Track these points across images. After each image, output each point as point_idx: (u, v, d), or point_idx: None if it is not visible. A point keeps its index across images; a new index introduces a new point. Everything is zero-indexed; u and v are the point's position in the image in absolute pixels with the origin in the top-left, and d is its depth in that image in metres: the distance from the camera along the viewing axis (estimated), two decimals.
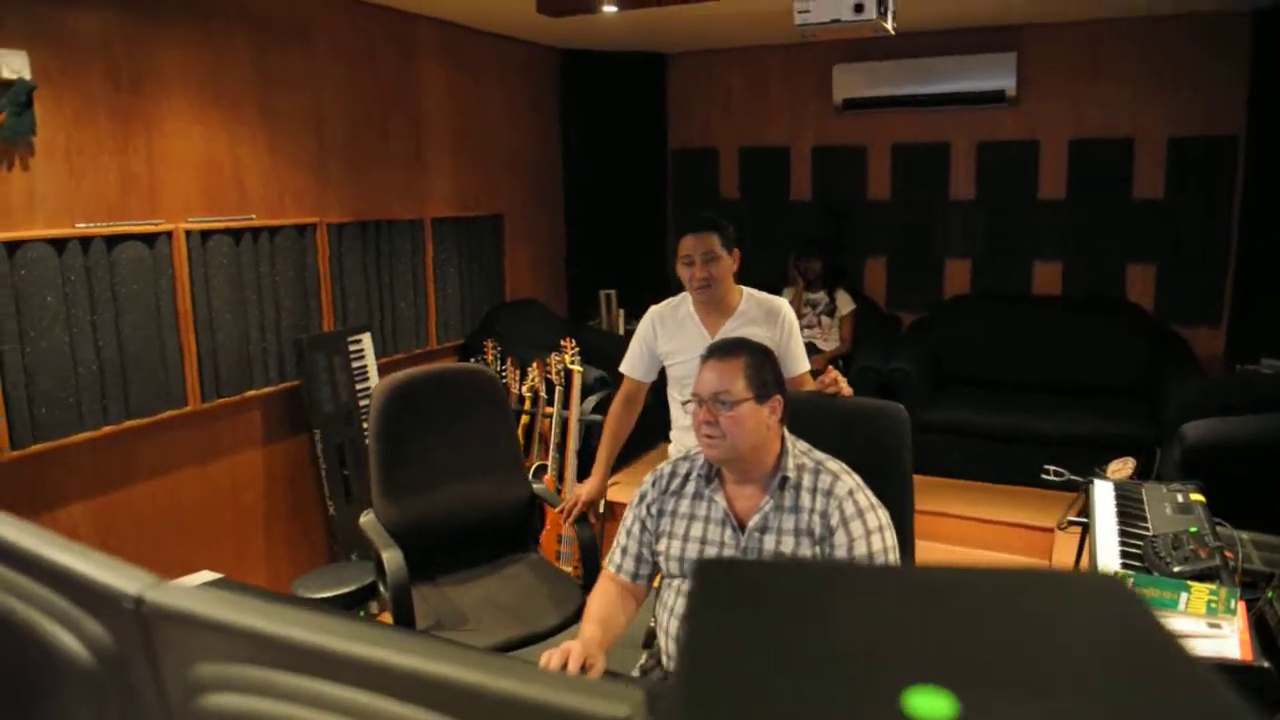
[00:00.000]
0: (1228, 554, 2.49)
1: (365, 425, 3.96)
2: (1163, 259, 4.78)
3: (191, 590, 0.67)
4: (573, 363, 4.26)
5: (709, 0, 3.81)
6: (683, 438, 2.78)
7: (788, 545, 1.97)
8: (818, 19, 3.21)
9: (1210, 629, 2.16)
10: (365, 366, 4.00)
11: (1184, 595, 2.29)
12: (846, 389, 2.53)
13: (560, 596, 2.80)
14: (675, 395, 2.80)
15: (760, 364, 2.03)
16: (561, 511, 2.88)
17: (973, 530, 4.20)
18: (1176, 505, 2.90)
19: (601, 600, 2.14)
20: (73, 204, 2.94)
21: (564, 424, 4.25)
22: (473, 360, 4.44)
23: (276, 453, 3.75)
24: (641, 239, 5.84)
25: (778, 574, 0.61)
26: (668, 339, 2.75)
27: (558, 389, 4.28)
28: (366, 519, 2.86)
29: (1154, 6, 4.39)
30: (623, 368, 2.87)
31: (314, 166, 3.80)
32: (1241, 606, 2.29)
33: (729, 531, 2.03)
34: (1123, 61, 4.65)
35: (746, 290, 2.79)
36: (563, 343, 4.32)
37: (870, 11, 3.10)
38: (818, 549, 1.96)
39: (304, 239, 3.75)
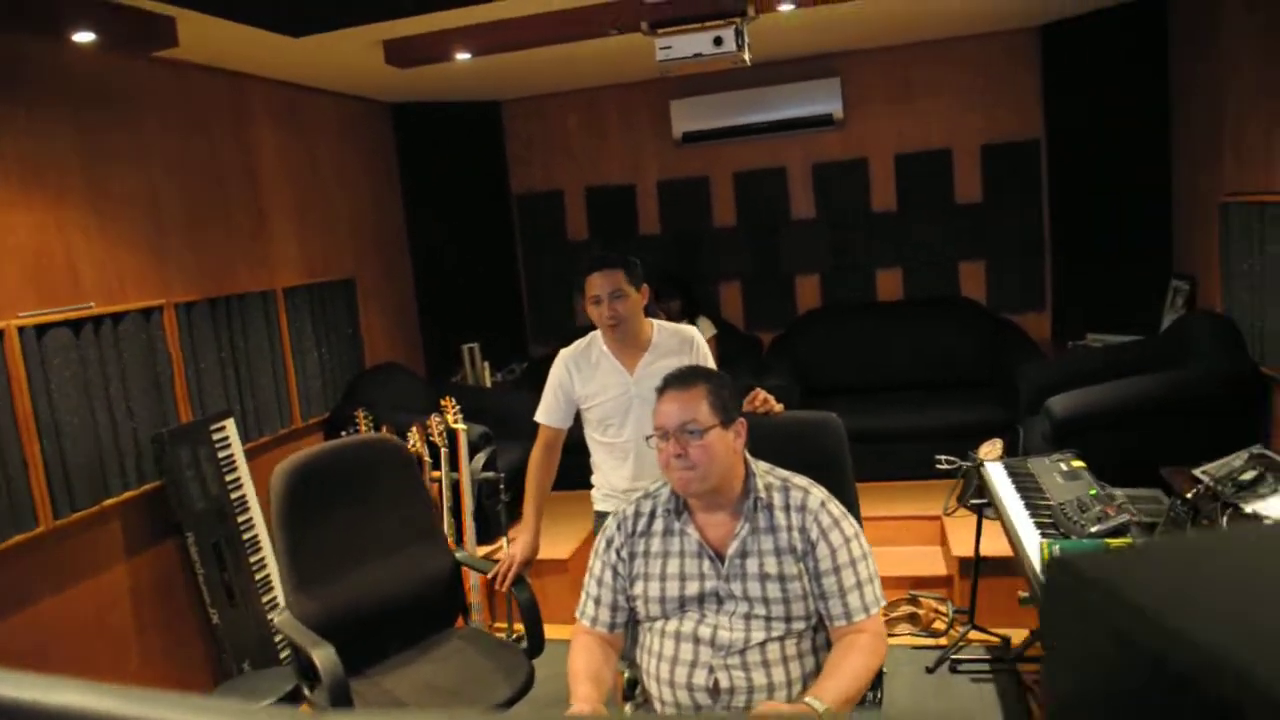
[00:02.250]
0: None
1: (241, 520, 3.62)
2: (989, 256, 5.20)
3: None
4: (456, 422, 4.09)
5: (556, 44, 3.82)
6: (609, 479, 2.71)
7: (771, 566, 1.95)
8: (679, 55, 3.29)
9: None
10: (232, 455, 3.66)
11: None
12: (777, 406, 2.57)
13: (508, 667, 2.64)
14: (596, 437, 2.73)
15: (720, 389, 2.01)
16: (494, 577, 2.72)
17: (867, 529, 4.35)
18: (1063, 473, 3.11)
19: (585, 657, 2.04)
20: None
21: (455, 486, 4.06)
22: (345, 433, 4.16)
23: (142, 564, 3.34)
24: (494, 288, 5.73)
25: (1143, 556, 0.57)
26: (584, 382, 2.68)
27: (443, 451, 4.09)
28: (282, 618, 2.59)
29: (957, 28, 4.81)
30: (539, 417, 2.77)
31: (152, 244, 3.47)
32: None
33: (706, 562, 1.98)
34: (935, 79, 5.06)
35: (656, 323, 2.77)
36: (442, 403, 4.13)
37: (730, 44, 3.21)
38: (801, 564, 1.95)
39: (150, 323, 3.40)
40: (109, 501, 3.18)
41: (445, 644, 2.82)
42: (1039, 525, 2.77)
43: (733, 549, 1.97)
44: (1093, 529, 2.61)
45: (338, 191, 4.73)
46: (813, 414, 2.52)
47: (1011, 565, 3.66)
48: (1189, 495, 2.86)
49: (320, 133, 4.61)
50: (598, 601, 2.09)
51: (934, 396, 4.83)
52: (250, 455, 3.76)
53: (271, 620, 3.66)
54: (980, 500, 3.55)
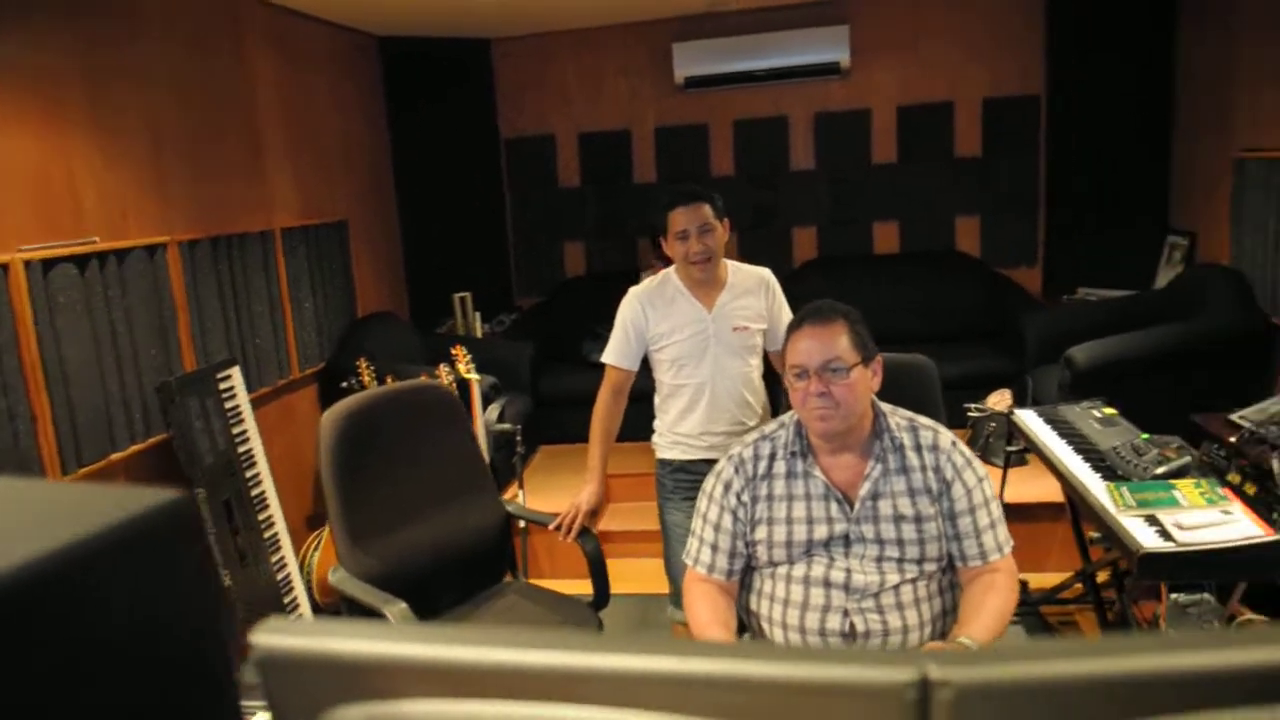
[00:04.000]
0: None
1: (249, 475, 3.40)
2: (984, 211, 5.23)
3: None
4: (469, 372, 3.92)
5: None
6: (679, 424, 2.61)
7: (905, 507, 1.89)
8: None
9: (1224, 516, 2.34)
10: (238, 406, 3.42)
11: (1176, 493, 2.47)
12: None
13: (576, 621, 2.54)
14: (666, 380, 2.62)
15: (858, 325, 1.93)
16: (557, 528, 2.61)
17: None
18: (1099, 420, 3.15)
19: (711, 606, 1.95)
20: None
21: None
22: (346, 384, 3.94)
23: None
24: (481, 236, 5.51)
25: None
26: (659, 320, 2.57)
27: None
28: (338, 576, 2.43)
29: None
30: (608, 358, 2.65)
31: (154, 174, 3.17)
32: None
33: (834, 505, 1.92)
34: (942, 29, 5.02)
35: (730, 262, 2.67)
36: (453, 351, 3.96)
37: None
38: (936, 505, 1.90)
39: (154, 262, 3.12)
40: (116, 456, 2.92)
41: (501, 598, 2.71)
42: (1095, 470, 2.79)
43: (864, 490, 1.91)
44: (1158, 470, 2.64)
45: (329, 127, 4.44)
46: (905, 356, 2.47)
47: (1031, 511, 3.73)
48: (1231, 440, 2.92)
49: (312, 65, 4.30)
50: (714, 548, 2.00)
51: (935, 349, 4.82)
52: (255, 406, 3.52)
53: (281, 580, 3.47)
54: (1013, 448, 3.59)
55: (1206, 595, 2.52)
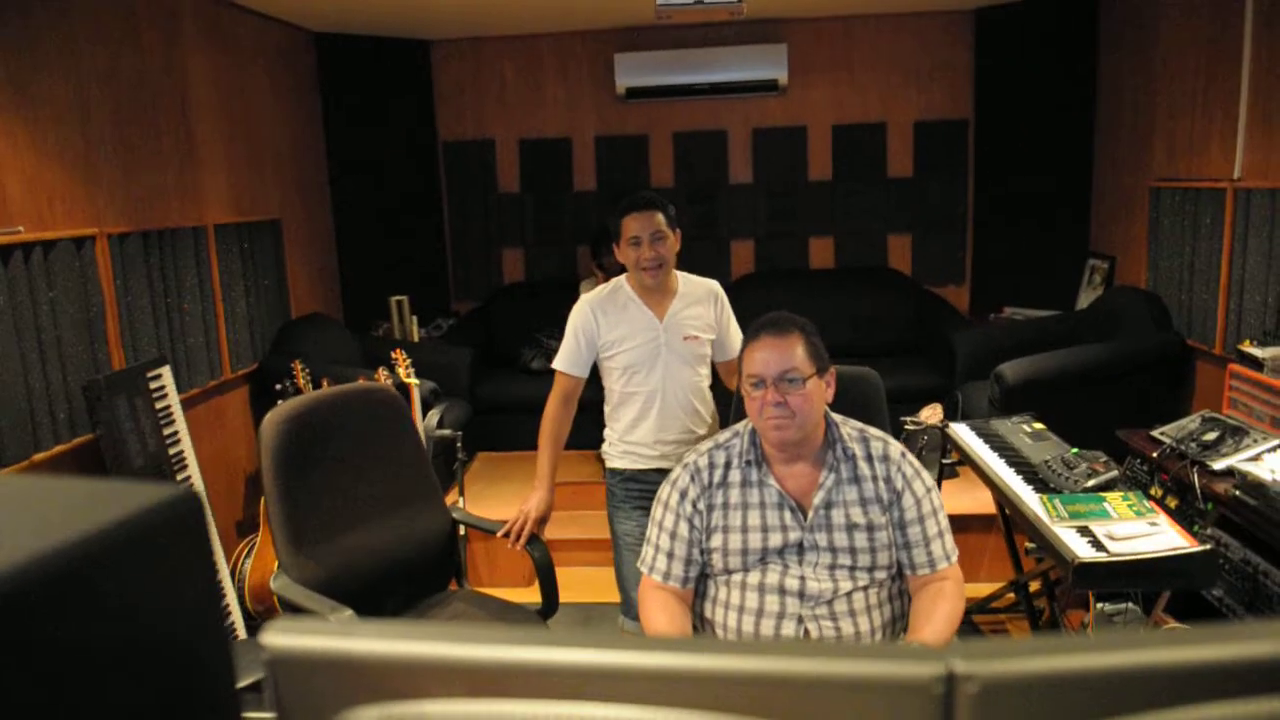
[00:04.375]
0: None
1: (180, 478, 3.28)
2: (915, 230, 5.39)
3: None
4: (408, 376, 3.86)
5: None
6: (630, 433, 2.61)
7: (857, 516, 1.94)
8: (680, 0, 3.18)
9: (1151, 527, 2.45)
10: (169, 407, 3.30)
11: (1106, 505, 2.58)
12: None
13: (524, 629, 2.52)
14: (618, 387, 2.63)
15: (813, 336, 1.97)
16: (505, 535, 2.58)
17: None
18: (1029, 434, 3.27)
19: (667, 614, 1.96)
20: None
21: None
22: (280, 386, 3.83)
23: None
24: (418, 239, 5.43)
25: None
26: (611, 327, 2.58)
27: None
28: (280, 582, 2.36)
29: (900, 3, 4.91)
30: (559, 365, 2.64)
31: (82, 162, 3.04)
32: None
33: (788, 514, 1.95)
34: (876, 53, 5.16)
35: (679, 273, 2.70)
36: (393, 355, 3.89)
37: None
38: (887, 514, 1.95)
39: (81, 255, 2.99)
40: (39, 456, 2.79)
41: (446, 606, 2.67)
42: (1028, 482, 2.89)
43: (818, 499, 1.94)
44: (1088, 483, 2.75)
45: (263, 124, 4.32)
46: (854, 368, 2.52)
47: (964, 523, 3.85)
48: (1154, 455, 3.07)
49: (247, 58, 4.19)
50: (671, 556, 2.01)
51: (868, 363, 4.93)
52: (185, 407, 3.40)
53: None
54: (947, 461, 3.69)
55: (1131, 605, 2.63)
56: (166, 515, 0.62)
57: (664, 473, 2.13)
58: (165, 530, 0.61)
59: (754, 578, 1.94)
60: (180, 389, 3.45)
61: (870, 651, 0.52)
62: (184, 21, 3.66)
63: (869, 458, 1.99)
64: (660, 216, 2.53)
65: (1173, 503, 2.88)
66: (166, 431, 3.25)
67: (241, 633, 3.44)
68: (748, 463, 1.99)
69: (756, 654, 0.53)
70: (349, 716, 0.56)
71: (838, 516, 1.94)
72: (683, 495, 2.01)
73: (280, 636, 0.57)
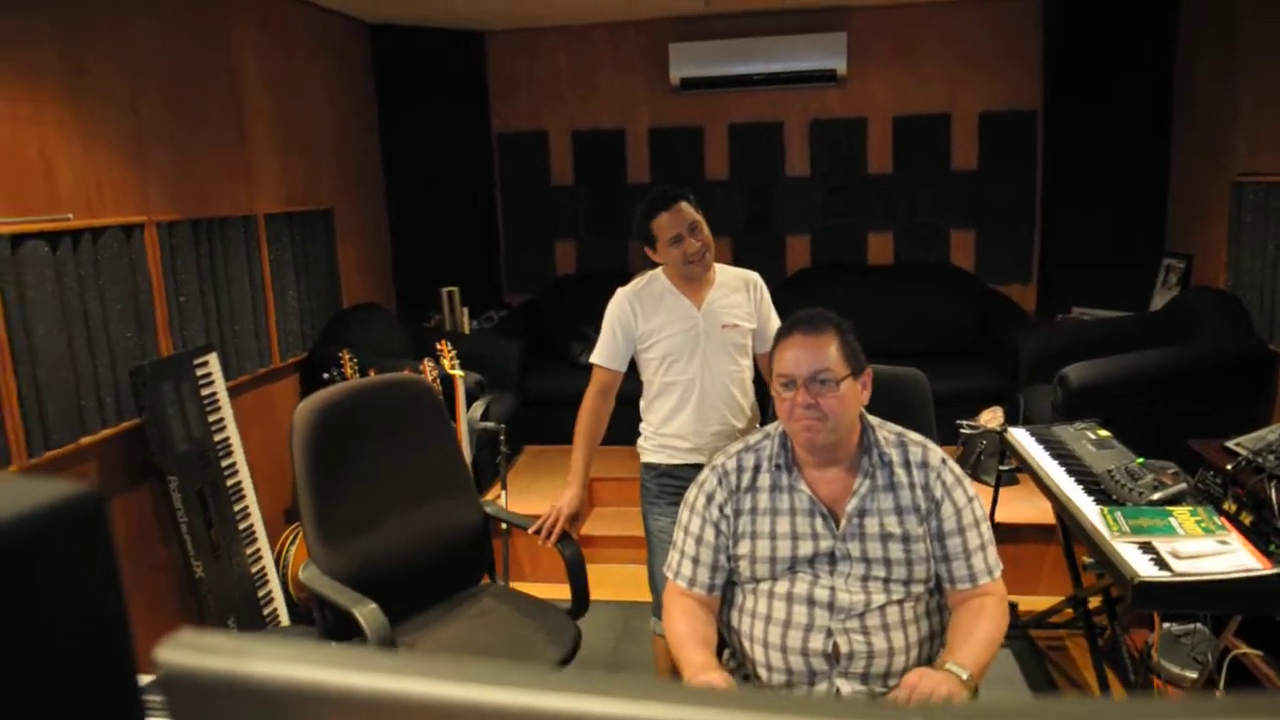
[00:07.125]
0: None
1: (225, 465, 3.31)
2: (980, 225, 5.18)
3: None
4: (453, 368, 3.84)
5: None
6: (667, 426, 2.54)
7: (893, 526, 1.83)
8: None
9: (1221, 546, 2.28)
10: (216, 394, 3.33)
11: (1173, 520, 2.41)
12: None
13: (552, 628, 2.47)
14: (656, 378, 2.55)
15: (849, 335, 1.87)
16: (537, 532, 2.53)
17: None
18: (1093, 442, 3.09)
19: (691, 621, 1.88)
20: None
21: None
22: (328, 375, 3.86)
23: (118, 510, 3.00)
24: (471, 231, 5.43)
25: None
26: (647, 316, 2.51)
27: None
28: (309, 573, 2.35)
29: None
30: (596, 359, 2.58)
31: (133, 150, 3.08)
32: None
33: (819, 521, 1.85)
34: (939, 43, 4.98)
35: (715, 264, 2.62)
36: (438, 347, 3.88)
37: None
38: (925, 524, 1.84)
39: (130, 243, 3.03)
40: (86, 440, 2.83)
41: (477, 602, 2.63)
42: (1089, 493, 2.73)
43: (851, 507, 1.84)
44: (1154, 496, 2.58)
45: (316, 113, 4.35)
46: (898, 369, 2.41)
47: (1022, 532, 3.68)
48: (1228, 468, 2.87)
49: (301, 49, 4.22)
50: (696, 561, 1.93)
51: (926, 364, 4.77)
52: (232, 395, 3.44)
53: (256, 573, 3.38)
54: (1005, 467, 3.53)
55: (1200, 626, 2.47)
56: (64, 515, 0.57)
57: (699, 469, 2.05)
58: (62, 530, 0.57)
59: (782, 587, 1.84)
60: (228, 376, 3.49)
61: (836, 709, 0.45)
62: (238, 10, 3.70)
63: (906, 464, 1.87)
64: (687, 205, 2.47)
65: (1247, 519, 2.69)
66: (212, 418, 3.28)
67: (284, 619, 3.47)
68: (778, 466, 1.90)
69: (716, 706, 0.46)
70: None
71: (871, 525, 1.83)
72: (709, 499, 1.93)
73: (177, 653, 0.52)
